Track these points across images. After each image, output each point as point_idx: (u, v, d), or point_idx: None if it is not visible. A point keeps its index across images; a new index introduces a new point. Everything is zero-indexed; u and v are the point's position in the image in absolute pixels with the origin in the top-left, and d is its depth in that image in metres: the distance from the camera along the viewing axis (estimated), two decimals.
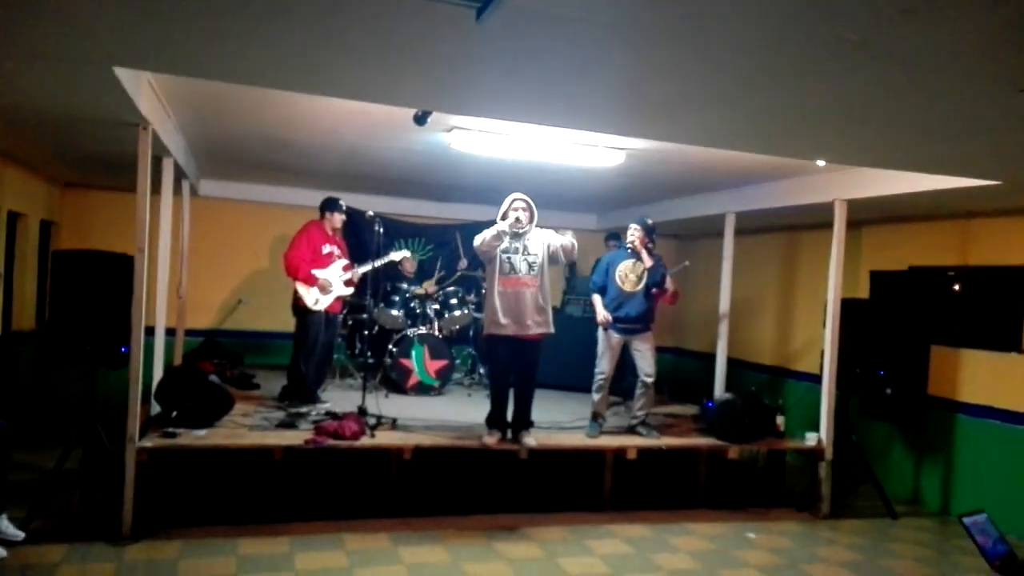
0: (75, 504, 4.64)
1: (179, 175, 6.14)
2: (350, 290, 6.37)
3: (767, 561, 4.86)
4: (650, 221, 6.04)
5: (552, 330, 5.42)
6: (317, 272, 6.05)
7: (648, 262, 5.81)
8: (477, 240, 5.34)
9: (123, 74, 3.37)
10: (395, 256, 6.52)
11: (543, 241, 5.39)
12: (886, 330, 6.16)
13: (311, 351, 6.13)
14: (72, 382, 4.81)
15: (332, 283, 6.13)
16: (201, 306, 8.03)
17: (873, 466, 6.08)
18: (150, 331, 5.31)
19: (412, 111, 4.41)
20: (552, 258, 5.39)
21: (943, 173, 4.70)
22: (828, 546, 5.23)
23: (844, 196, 5.71)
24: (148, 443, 4.69)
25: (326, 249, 6.19)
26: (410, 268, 8.02)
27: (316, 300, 6.05)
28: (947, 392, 6.25)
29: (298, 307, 6.11)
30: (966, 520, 3.04)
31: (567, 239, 5.39)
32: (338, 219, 6.30)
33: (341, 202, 6.32)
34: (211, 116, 5.07)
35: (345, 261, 6.34)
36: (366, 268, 6.35)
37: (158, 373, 5.65)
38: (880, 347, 6.08)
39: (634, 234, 5.89)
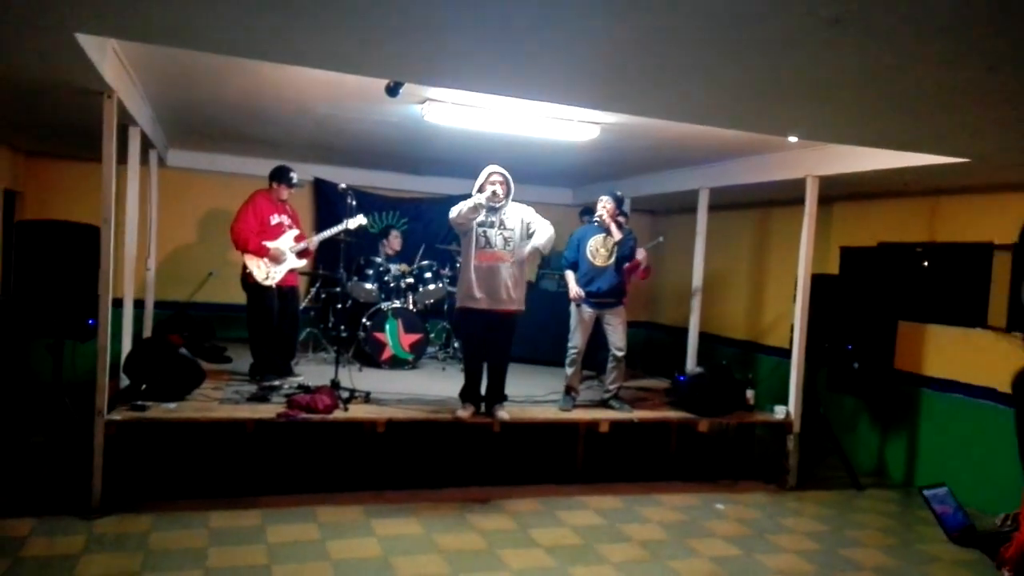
0: (43, 478, 4.59)
1: (146, 145, 6.02)
2: (303, 262, 6.19)
3: (735, 531, 4.95)
4: (619, 193, 6.04)
5: (522, 307, 5.43)
6: (268, 243, 5.91)
7: (617, 235, 5.82)
8: (453, 212, 5.30)
9: (86, 40, 3.27)
10: (351, 224, 6.19)
11: (519, 216, 5.37)
12: (855, 305, 6.26)
13: (267, 327, 5.97)
14: (39, 355, 4.73)
15: (284, 254, 5.97)
16: (171, 278, 7.93)
17: (840, 439, 6.19)
18: (118, 303, 5.23)
19: (384, 82, 4.35)
20: (528, 234, 5.37)
21: (912, 150, 4.74)
22: (794, 516, 5.33)
23: (816, 172, 5.76)
24: (117, 416, 4.64)
25: (275, 220, 6.03)
26: (396, 246, 7.97)
27: (267, 275, 5.90)
28: (913, 367, 6.37)
29: (248, 283, 5.95)
30: (926, 492, 3.08)
31: (544, 240, 5.33)
32: (284, 191, 6.12)
33: (292, 174, 6.14)
34: (178, 85, 4.96)
35: (297, 231, 6.17)
36: (322, 236, 6.20)
37: (127, 346, 5.58)
38: (848, 322, 6.17)
39: (604, 207, 5.89)
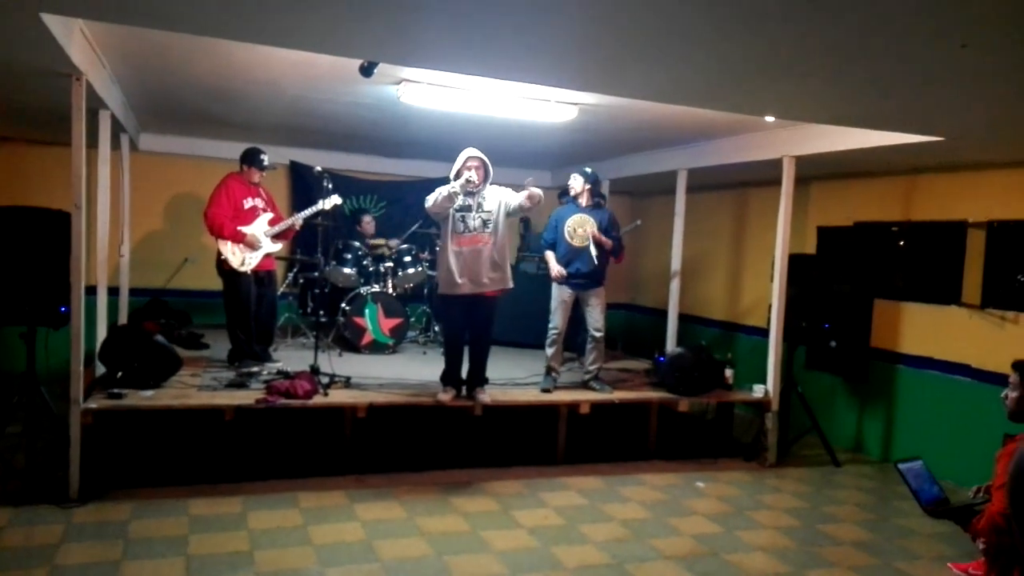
0: (19, 467, 4.54)
1: (117, 129, 5.91)
2: (278, 246, 6.09)
3: (715, 509, 5.00)
4: (589, 170, 6.04)
5: (510, 285, 5.40)
6: (243, 228, 5.83)
7: (586, 200, 5.90)
8: (428, 201, 5.23)
9: (52, 21, 3.20)
10: (326, 204, 6.06)
11: (498, 198, 5.33)
12: (832, 285, 6.30)
13: (244, 313, 5.89)
14: (13, 343, 4.66)
15: (259, 240, 5.89)
16: (146, 265, 7.82)
17: (818, 417, 6.26)
18: (92, 290, 5.16)
19: (357, 62, 4.29)
20: (508, 212, 5.33)
21: (887, 129, 4.77)
22: (774, 493, 5.39)
23: (792, 152, 5.78)
24: (93, 404, 4.59)
25: (248, 203, 5.94)
26: (370, 230, 7.91)
27: (243, 261, 5.82)
28: (889, 344, 6.44)
29: (223, 269, 5.86)
30: (901, 466, 3.14)
31: (527, 193, 5.18)
32: (255, 174, 6.01)
33: (262, 156, 6.02)
34: (148, 67, 4.87)
35: (271, 215, 6.06)
36: (296, 219, 6.09)
37: (102, 333, 5.51)
38: (826, 301, 6.23)
39: (575, 181, 5.94)
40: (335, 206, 6.18)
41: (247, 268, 5.85)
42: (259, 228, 5.94)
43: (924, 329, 6.19)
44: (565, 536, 4.40)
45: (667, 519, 4.76)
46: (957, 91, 3.55)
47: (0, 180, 7.48)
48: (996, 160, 5.53)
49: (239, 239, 5.83)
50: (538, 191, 5.18)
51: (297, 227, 6.18)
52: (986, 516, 2.87)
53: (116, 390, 4.82)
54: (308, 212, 6.14)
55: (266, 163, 6.08)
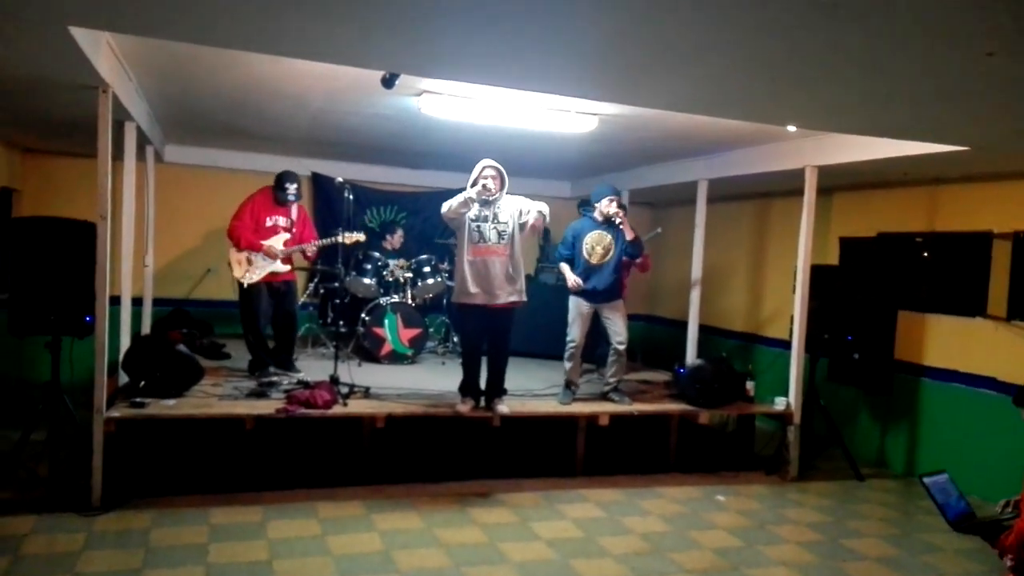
0: (43, 475, 4.58)
1: (143, 140, 6.00)
2: (287, 268, 6.07)
3: (736, 523, 4.94)
4: (615, 187, 6.02)
5: (524, 299, 5.40)
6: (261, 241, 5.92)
7: (629, 234, 5.77)
8: (444, 207, 5.27)
9: (79, 34, 3.25)
10: (346, 239, 6.11)
11: (514, 209, 5.33)
12: (855, 296, 6.24)
13: (254, 323, 5.97)
14: (38, 352, 4.72)
15: (275, 251, 5.92)
16: (169, 275, 7.92)
17: (840, 430, 6.19)
18: (116, 300, 5.22)
19: (379, 74, 4.33)
20: (523, 227, 5.35)
21: (911, 139, 4.72)
22: (796, 508, 5.33)
23: (814, 162, 5.74)
24: (116, 413, 4.64)
25: (270, 221, 6.01)
26: (397, 243, 7.95)
27: (244, 273, 5.87)
28: (913, 356, 6.36)
29: (237, 281, 5.97)
30: (926, 480, 3.09)
31: (536, 212, 5.25)
32: (281, 197, 6.05)
33: (287, 186, 6.01)
34: (173, 79, 4.94)
35: (288, 236, 6.08)
36: (307, 247, 6.15)
37: (125, 343, 5.57)
38: (848, 313, 6.16)
39: (611, 207, 5.75)
40: (356, 241, 6.24)
41: (246, 282, 5.89)
42: (276, 241, 6.00)
43: (949, 341, 6.11)
44: (583, 549, 4.37)
45: (687, 532, 4.72)
46: (983, 101, 3.51)
47: (27, 191, 7.63)
48: (1022, 170, 5.46)
49: (256, 249, 5.90)
50: (540, 221, 5.31)
51: (308, 254, 6.23)
52: (1015, 531, 2.81)
53: (139, 399, 4.87)
54: (324, 242, 6.21)
55: (289, 194, 6.05)
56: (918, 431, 6.33)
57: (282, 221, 6.10)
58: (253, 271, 5.91)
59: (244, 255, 5.92)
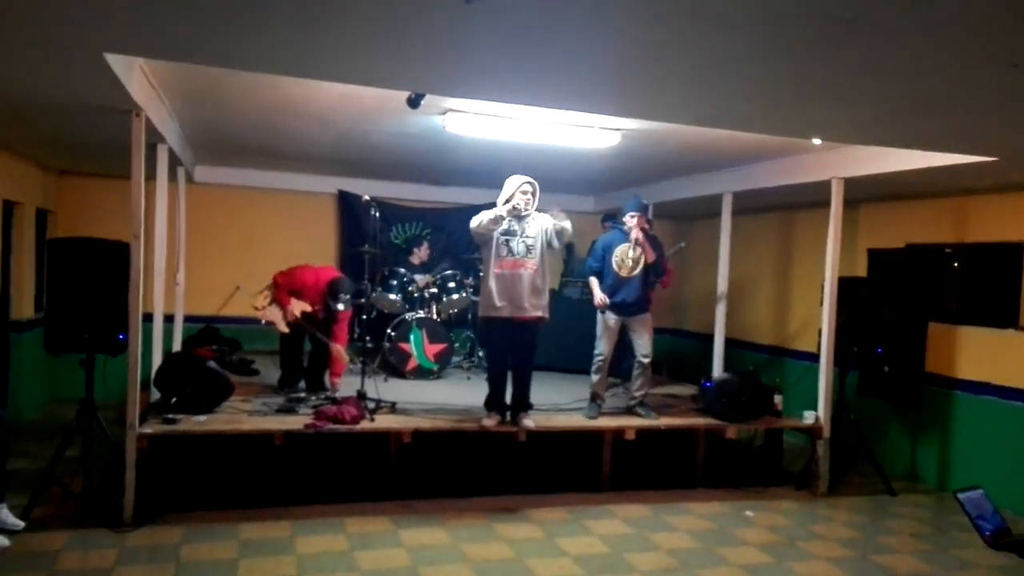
0: (76, 492, 4.66)
1: (174, 162, 6.12)
2: (282, 328, 6.09)
3: (765, 539, 4.89)
4: (644, 201, 6.01)
5: (547, 316, 5.41)
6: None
7: (651, 256, 5.77)
8: (474, 222, 5.32)
9: (114, 60, 3.34)
10: (340, 307, 6.05)
11: (541, 224, 5.37)
12: (884, 308, 6.17)
13: (296, 356, 6.25)
14: (72, 369, 4.81)
15: (295, 311, 6.01)
16: (199, 293, 8.00)
17: (871, 444, 6.11)
18: (148, 318, 5.30)
19: (405, 94, 4.39)
20: (549, 243, 5.38)
21: (939, 150, 4.69)
22: (826, 523, 5.26)
23: (841, 174, 5.70)
24: (148, 429, 4.72)
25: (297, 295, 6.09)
26: (424, 256, 8.00)
27: (279, 319, 6.02)
28: (944, 369, 6.26)
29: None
30: (961, 495, 3.04)
31: (560, 223, 5.28)
32: (331, 306, 5.99)
33: (341, 295, 5.95)
34: (204, 102, 5.05)
35: (306, 306, 6.05)
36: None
37: (157, 360, 5.66)
38: (878, 325, 6.09)
39: (633, 222, 5.74)
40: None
41: (263, 319, 6.04)
42: (297, 306, 6.04)
43: (980, 353, 6.01)
44: (611, 565, 4.35)
45: (715, 549, 4.68)
46: (1010, 112, 3.48)
47: (62, 212, 7.80)
48: None
49: (285, 304, 5.99)
50: (562, 226, 5.29)
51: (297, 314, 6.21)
52: None
53: (170, 415, 4.94)
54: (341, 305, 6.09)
55: (340, 302, 5.95)
56: (950, 445, 6.22)
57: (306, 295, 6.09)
58: (266, 315, 6.04)
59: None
